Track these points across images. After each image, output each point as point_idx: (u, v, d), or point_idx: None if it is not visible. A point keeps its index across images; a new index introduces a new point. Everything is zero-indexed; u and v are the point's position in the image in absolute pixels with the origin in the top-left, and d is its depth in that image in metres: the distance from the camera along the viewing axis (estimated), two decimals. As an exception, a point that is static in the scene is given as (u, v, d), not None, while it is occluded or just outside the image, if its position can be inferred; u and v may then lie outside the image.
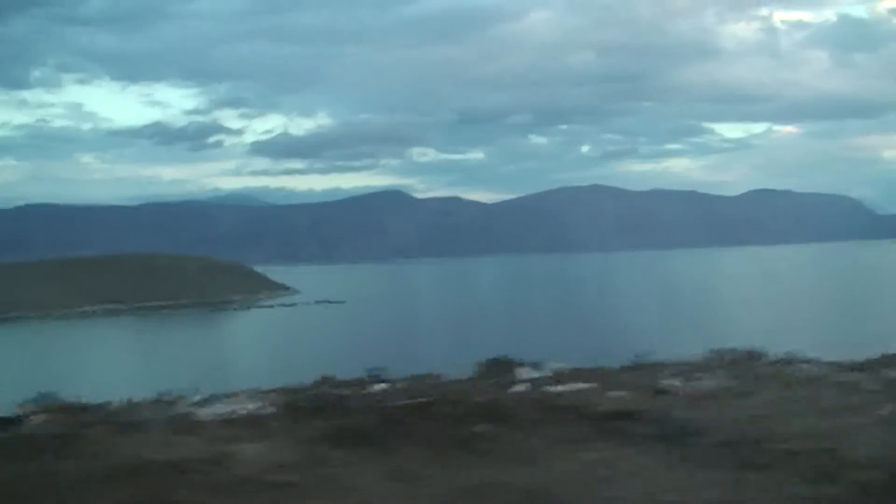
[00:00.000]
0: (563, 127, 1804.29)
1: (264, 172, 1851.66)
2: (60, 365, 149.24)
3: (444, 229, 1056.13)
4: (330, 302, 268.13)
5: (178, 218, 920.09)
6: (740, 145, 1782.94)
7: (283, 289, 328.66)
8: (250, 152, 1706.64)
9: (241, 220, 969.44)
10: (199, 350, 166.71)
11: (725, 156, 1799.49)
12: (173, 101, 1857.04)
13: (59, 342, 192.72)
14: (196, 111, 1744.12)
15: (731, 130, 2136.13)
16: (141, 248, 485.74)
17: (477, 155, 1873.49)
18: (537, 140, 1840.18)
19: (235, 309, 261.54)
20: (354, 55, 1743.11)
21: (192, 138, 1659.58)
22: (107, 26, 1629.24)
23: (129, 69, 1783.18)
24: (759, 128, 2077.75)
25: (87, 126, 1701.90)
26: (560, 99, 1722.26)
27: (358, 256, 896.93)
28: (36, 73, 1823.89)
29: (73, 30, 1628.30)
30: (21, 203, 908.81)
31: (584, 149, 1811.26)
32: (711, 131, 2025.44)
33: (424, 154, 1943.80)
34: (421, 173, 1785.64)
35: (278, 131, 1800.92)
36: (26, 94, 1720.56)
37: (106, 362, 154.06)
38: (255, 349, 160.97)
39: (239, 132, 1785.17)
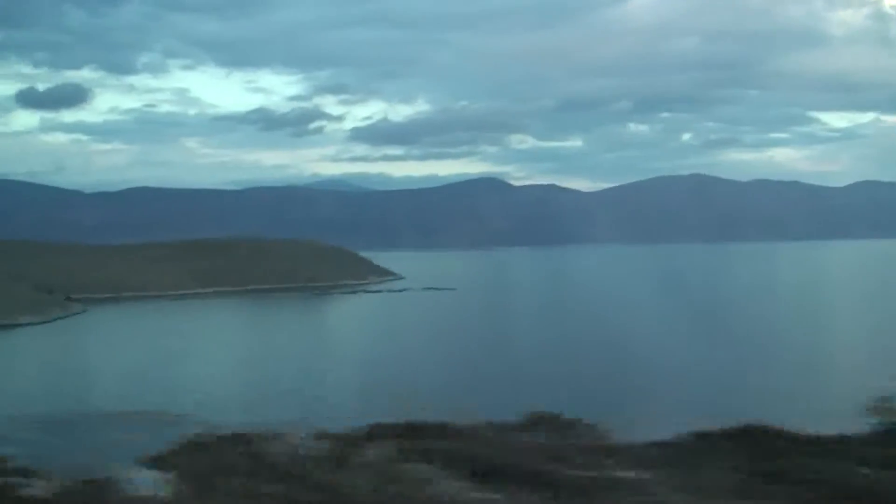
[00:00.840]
0: (664, 115, 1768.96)
1: (363, 158, 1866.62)
2: (201, 347, 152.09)
3: (541, 217, 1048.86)
4: (439, 289, 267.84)
5: (278, 203, 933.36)
6: (847, 135, 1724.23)
7: (388, 274, 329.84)
8: (350, 138, 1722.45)
9: (340, 205, 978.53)
10: (334, 332, 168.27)
11: (831, 146, 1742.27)
12: (276, 88, 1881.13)
13: (190, 323, 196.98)
14: (298, 97, 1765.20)
15: (837, 120, 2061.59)
16: (243, 231, 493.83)
17: (575, 143, 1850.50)
18: (637, 128, 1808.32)
19: (346, 293, 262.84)
20: (455, 41, 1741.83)
21: (294, 124, 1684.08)
22: (212, 13, 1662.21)
23: (234, 55, 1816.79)
24: (866, 117, 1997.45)
25: (192, 111, 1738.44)
26: (661, 86, 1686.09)
27: (454, 243, 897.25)
28: (144, 59, 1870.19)
29: (179, 16, 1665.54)
30: (128, 186, 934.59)
31: (686, 137, 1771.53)
32: (817, 120, 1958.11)
33: (522, 141, 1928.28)
34: (518, 161, 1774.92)
35: (378, 117, 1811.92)
36: (134, 80, 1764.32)
37: (255, 345, 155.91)
38: (400, 337, 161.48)
39: (339, 118, 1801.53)
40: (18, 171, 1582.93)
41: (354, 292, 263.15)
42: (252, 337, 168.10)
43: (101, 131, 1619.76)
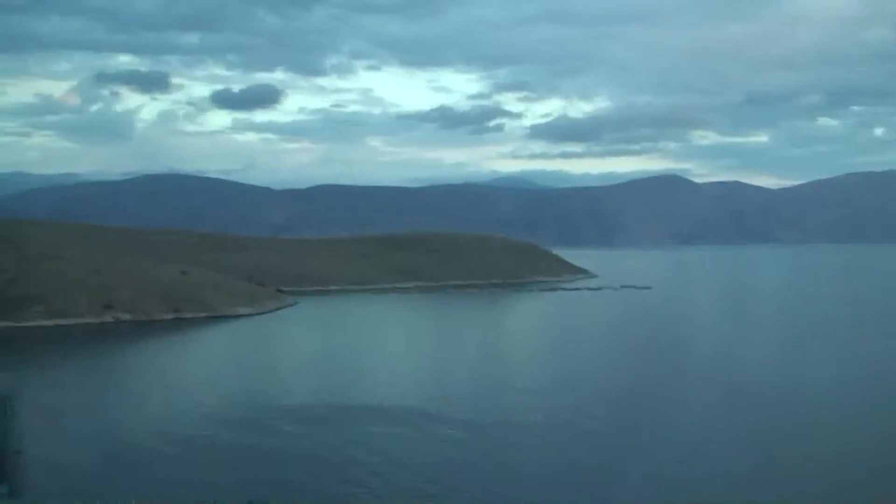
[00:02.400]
0: (856, 108, 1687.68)
1: (542, 155, 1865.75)
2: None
3: (725, 215, 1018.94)
4: (636, 287, 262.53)
5: (458, 199, 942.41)
6: None
7: (581, 271, 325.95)
8: (529, 136, 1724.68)
9: (519, 202, 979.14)
10: (555, 329, 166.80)
11: None
12: (457, 86, 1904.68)
13: (401, 317, 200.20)
14: (478, 95, 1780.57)
15: None
16: (424, 228, 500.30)
17: (760, 138, 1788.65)
18: (827, 122, 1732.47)
19: (544, 289, 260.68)
20: (636, 36, 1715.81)
21: (474, 122, 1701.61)
22: (397, 14, 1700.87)
23: (417, 55, 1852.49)
24: None
25: (376, 110, 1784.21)
26: (854, 78, 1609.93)
27: (634, 242, 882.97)
28: (332, 61, 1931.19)
29: (366, 18, 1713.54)
30: (314, 184, 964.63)
31: (879, 132, 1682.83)
32: None
33: (705, 137, 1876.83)
34: (700, 157, 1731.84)
35: (557, 114, 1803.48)
36: (322, 81, 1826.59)
37: (474, 340, 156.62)
38: (633, 337, 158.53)
39: (519, 116, 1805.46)
40: (212, 168, 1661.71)
41: (553, 289, 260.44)
42: (469, 332, 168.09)
43: (290, 130, 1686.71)
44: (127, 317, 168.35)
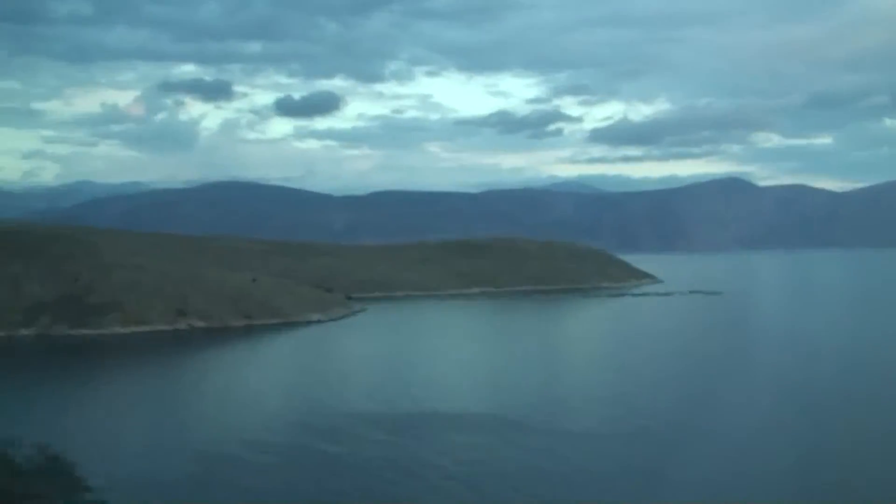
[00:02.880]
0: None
1: (601, 160, 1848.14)
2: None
3: (788, 219, 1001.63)
4: (705, 293, 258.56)
5: (516, 204, 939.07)
6: None
7: (646, 277, 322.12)
8: (589, 139, 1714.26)
9: (577, 207, 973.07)
10: (630, 336, 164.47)
11: None
12: (516, 91, 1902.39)
13: (472, 323, 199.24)
14: (537, 100, 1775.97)
15: None
16: (484, 233, 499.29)
17: (825, 140, 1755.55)
18: (893, 123, 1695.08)
19: (612, 295, 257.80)
20: (697, 38, 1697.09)
21: (533, 126, 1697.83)
22: (455, 19, 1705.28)
23: (475, 60, 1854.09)
24: None
25: (434, 116, 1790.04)
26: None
27: (695, 247, 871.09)
28: (391, 67, 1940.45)
29: (425, 24, 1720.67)
30: (373, 190, 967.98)
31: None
32: None
33: (768, 139, 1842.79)
34: (762, 160, 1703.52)
35: (617, 118, 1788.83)
36: (382, 87, 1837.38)
37: (550, 346, 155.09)
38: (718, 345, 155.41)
39: (578, 119, 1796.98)
40: (273, 175, 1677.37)
41: (621, 295, 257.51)
42: (541, 338, 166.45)
43: (350, 137, 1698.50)
44: (200, 324, 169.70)
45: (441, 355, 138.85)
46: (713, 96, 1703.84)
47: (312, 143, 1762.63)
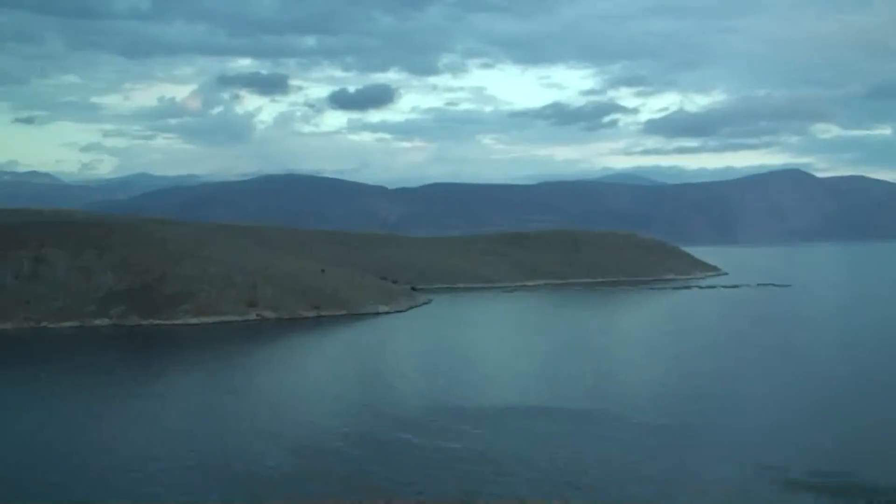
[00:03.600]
0: None
1: (656, 151, 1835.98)
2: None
3: (848, 211, 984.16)
4: (774, 285, 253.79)
5: (570, 196, 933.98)
6: None
7: (711, 269, 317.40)
8: (644, 131, 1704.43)
9: (632, 198, 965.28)
10: (709, 330, 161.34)
11: None
12: (570, 82, 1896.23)
13: (544, 315, 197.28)
14: (592, 91, 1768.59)
15: None
16: (538, 225, 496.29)
17: (885, 131, 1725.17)
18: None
19: (677, 287, 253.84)
20: (755, 27, 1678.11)
21: (588, 118, 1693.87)
22: (509, 11, 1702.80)
23: (529, 52, 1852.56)
24: None
25: (488, 108, 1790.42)
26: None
27: (752, 239, 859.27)
28: (445, 60, 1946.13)
29: (479, 16, 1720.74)
30: (426, 182, 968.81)
31: None
32: None
33: (826, 130, 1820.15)
34: (821, 151, 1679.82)
35: (673, 108, 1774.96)
36: (435, 80, 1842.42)
37: (629, 340, 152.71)
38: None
39: (634, 111, 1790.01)
40: (327, 168, 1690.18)
41: (688, 287, 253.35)
42: (614, 330, 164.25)
43: (403, 130, 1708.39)
44: (270, 314, 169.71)
45: (513, 348, 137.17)
46: (771, 87, 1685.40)
47: (366, 136, 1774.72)
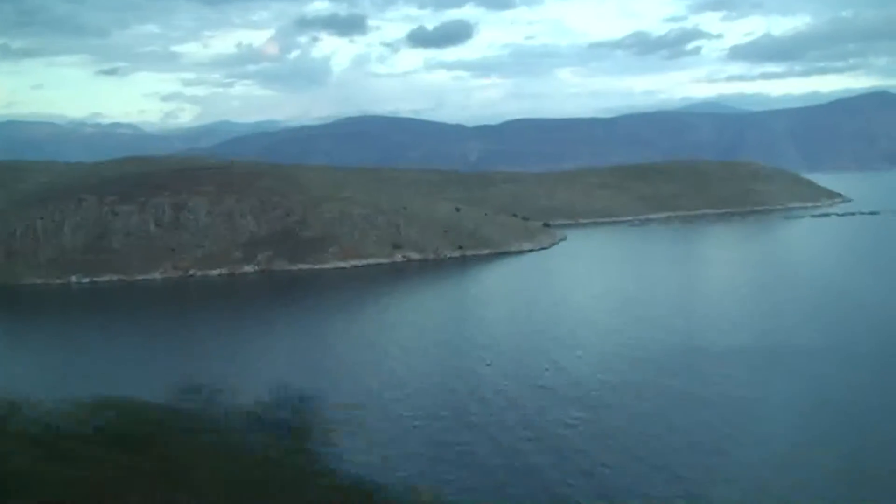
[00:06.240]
0: None
1: (739, 78, 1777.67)
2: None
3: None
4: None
5: (652, 128, 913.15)
6: None
7: (836, 196, 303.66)
8: (728, 57, 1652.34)
9: (715, 128, 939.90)
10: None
11: None
12: (650, 10, 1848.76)
13: (690, 248, 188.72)
14: (674, 18, 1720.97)
15: None
16: (621, 159, 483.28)
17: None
18: None
19: (814, 216, 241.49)
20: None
21: (671, 45, 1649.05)
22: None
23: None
24: None
25: (565, 41, 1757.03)
26: None
27: (839, 165, 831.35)
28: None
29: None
30: (505, 119, 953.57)
31: None
32: None
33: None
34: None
35: (759, 33, 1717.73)
36: (511, 14, 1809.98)
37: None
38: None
39: (719, 36, 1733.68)
40: (404, 108, 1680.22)
41: (826, 215, 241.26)
42: (782, 264, 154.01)
43: (479, 67, 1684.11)
44: (415, 255, 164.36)
45: (683, 283, 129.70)
46: (859, 7, 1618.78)
47: (442, 74, 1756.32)
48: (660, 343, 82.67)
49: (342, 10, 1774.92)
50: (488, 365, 74.21)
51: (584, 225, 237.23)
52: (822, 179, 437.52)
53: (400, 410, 60.77)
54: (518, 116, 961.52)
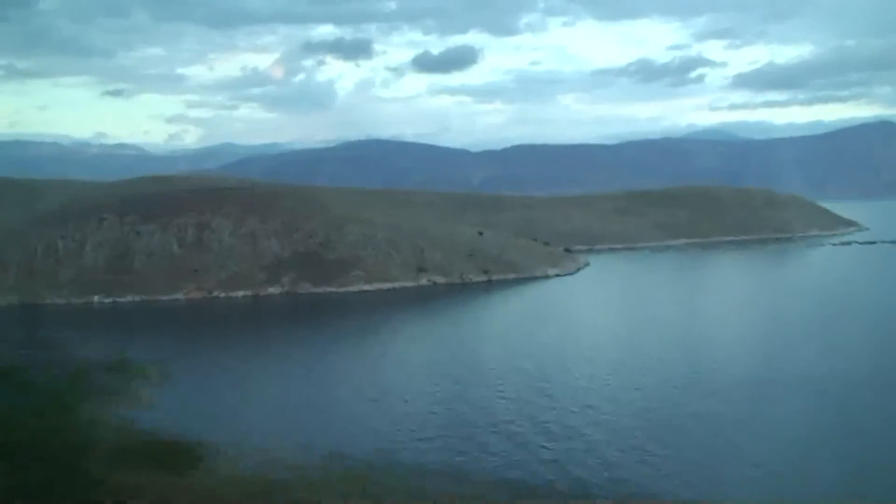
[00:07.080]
0: None
1: (743, 106, 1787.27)
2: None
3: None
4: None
5: (656, 154, 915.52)
6: None
7: (851, 224, 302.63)
8: (731, 85, 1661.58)
9: (718, 155, 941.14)
10: None
11: None
12: (654, 38, 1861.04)
13: (712, 276, 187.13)
14: (678, 46, 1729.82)
15: None
16: (625, 185, 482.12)
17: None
18: None
19: (833, 245, 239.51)
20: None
21: (675, 73, 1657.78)
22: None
23: (611, 8, 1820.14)
24: None
25: (569, 68, 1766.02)
26: None
27: (842, 194, 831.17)
28: (525, 20, 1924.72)
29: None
30: (508, 144, 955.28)
31: None
32: None
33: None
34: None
35: (763, 61, 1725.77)
36: (516, 40, 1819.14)
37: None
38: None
39: (723, 64, 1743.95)
40: (408, 132, 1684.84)
41: (847, 244, 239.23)
42: (810, 292, 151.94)
43: (483, 92, 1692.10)
44: (441, 279, 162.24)
45: (712, 312, 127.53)
46: (863, 36, 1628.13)
47: (445, 99, 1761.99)
48: (684, 369, 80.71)
49: (348, 35, 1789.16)
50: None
51: (600, 251, 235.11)
52: (832, 208, 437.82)
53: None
54: (522, 142, 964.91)
